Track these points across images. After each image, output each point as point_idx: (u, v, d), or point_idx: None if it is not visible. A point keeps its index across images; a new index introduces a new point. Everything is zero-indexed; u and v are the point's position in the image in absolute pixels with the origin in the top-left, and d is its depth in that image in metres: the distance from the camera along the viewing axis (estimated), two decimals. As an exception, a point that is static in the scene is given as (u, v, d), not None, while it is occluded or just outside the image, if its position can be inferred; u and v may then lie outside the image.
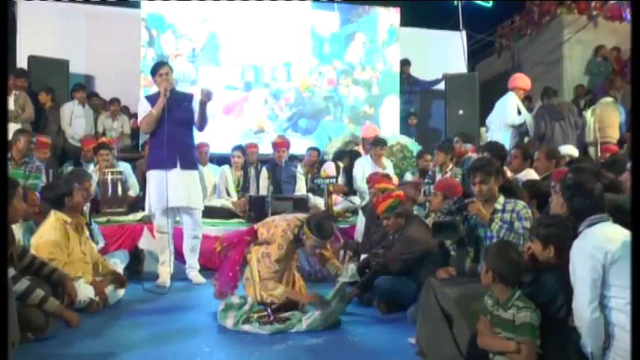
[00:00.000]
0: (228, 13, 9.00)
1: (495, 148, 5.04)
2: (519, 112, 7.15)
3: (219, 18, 8.98)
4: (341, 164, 7.41)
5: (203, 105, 4.87)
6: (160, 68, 4.91)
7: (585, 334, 2.49)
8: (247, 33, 8.97)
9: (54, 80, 8.36)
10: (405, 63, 9.83)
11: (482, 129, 9.53)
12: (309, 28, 9.35)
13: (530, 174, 4.93)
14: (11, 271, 3.18)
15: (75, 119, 8.24)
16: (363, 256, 4.90)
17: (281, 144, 6.84)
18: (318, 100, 9.41)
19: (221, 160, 7.30)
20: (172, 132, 4.79)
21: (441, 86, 9.72)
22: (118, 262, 4.75)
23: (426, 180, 5.83)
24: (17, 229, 3.98)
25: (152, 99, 4.94)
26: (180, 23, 8.85)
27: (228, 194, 6.68)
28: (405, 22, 9.94)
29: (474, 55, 12.35)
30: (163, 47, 8.78)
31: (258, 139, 8.31)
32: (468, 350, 2.81)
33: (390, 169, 6.89)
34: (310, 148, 7.37)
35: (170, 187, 4.77)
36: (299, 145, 8.03)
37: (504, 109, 7.26)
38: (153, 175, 4.92)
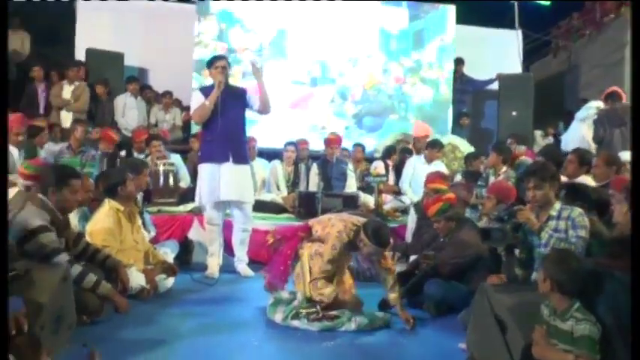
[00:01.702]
0: (297, 10, 9.06)
1: (551, 152, 4.89)
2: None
3: (288, 14, 9.05)
4: (390, 162, 7.35)
5: (259, 78, 4.87)
6: (216, 61, 4.91)
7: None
8: (315, 29, 9.02)
9: (109, 72, 8.62)
10: (458, 62, 9.67)
11: (537, 132, 9.29)
12: (377, 24, 9.27)
13: (586, 181, 4.73)
14: (66, 256, 3.28)
15: (128, 111, 8.45)
16: (412, 258, 4.84)
17: (333, 140, 6.81)
18: (383, 98, 9.36)
19: (271, 156, 7.34)
20: (226, 126, 4.81)
21: (495, 86, 9.53)
22: (169, 252, 4.81)
23: (479, 182, 5.71)
24: (72, 216, 4.07)
25: (206, 91, 4.96)
26: (249, 18, 8.97)
27: (279, 189, 6.72)
28: (460, 19, 9.76)
29: (530, 55, 12.03)
30: (231, 41, 8.93)
31: (324, 135, 8.30)
32: (521, 359, 2.73)
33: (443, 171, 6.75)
34: (356, 145, 7.33)
35: (222, 181, 4.81)
36: (364, 143, 7.99)
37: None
38: (205, 168, 4.93)
